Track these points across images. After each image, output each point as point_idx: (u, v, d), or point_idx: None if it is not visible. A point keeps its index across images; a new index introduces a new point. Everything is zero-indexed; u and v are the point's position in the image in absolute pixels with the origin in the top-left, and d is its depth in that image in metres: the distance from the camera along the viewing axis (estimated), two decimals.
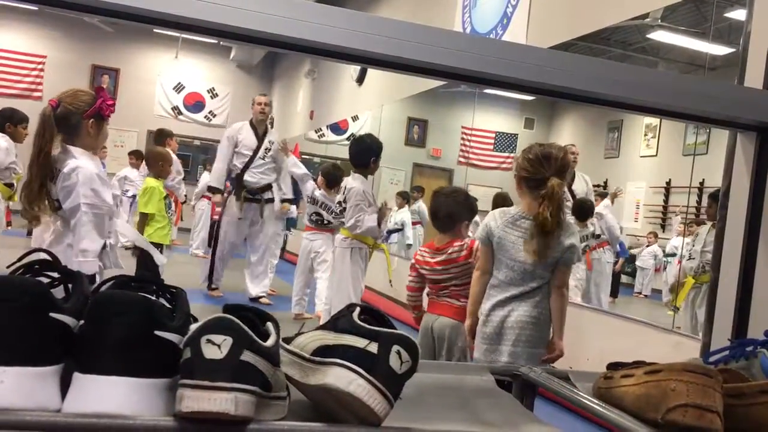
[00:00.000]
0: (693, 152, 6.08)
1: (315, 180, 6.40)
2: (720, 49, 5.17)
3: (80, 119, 2.70)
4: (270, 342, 0.83)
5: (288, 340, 0.93)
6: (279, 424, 0.82)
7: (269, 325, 0.88)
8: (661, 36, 5.97)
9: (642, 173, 8.20)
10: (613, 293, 7.21)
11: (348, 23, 1.11)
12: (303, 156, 12.90)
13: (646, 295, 7.96)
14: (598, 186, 7.89)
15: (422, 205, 9.77)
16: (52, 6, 1.05)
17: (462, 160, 9.42)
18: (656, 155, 7.88)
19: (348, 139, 11.17)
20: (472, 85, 7.60)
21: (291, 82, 15.51)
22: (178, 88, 16.31)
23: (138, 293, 0.84)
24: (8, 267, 0.91)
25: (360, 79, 10.87)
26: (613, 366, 1.14)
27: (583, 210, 6.04)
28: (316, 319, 6.01)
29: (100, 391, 0.76)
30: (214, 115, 16.57)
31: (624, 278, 8.06)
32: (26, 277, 0.88)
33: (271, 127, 7.25)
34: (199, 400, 0.74)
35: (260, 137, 6.78)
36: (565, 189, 5.82)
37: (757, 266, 1.42)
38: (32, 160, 2.64)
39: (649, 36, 6.08)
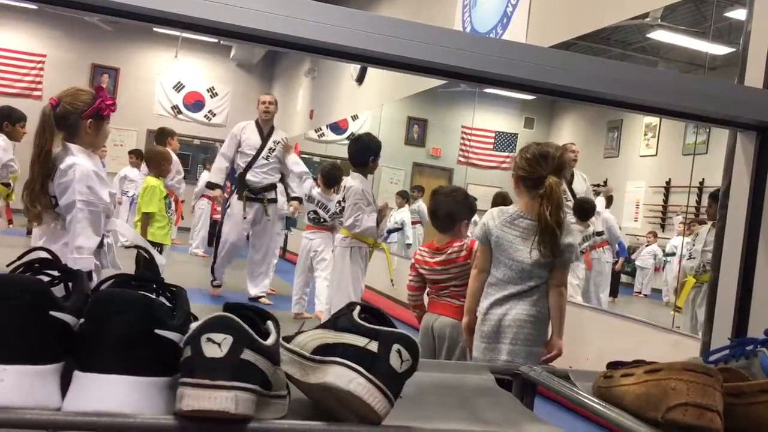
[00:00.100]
0: (693, 152, 6.08)
1: (315, 179, 6.42)
2: (720, 49, 5.17)
3: (79, 118, 2.70)
4: (270, 341, 0.83)
5: (288, 339, 0.93)
6: (279, 423, 0.82)
7: (269, 323, 0.88)
8: (660, 35, 5.97)
9: (642, 173, 8.20)
10: (613, 293, 7.21)
11: (349, 22, 1.11)
12: (303, 155, 12.89)
13: (645, 295, 7.96)
14: (598, 186, 7.90)
15: (422, 205, 9.77)
16: (52, 4, 1.05)
17: (462, 159, 9.42)
18: (656, 155, 7.89)
19: (348, 138, 11.16)
20: (472, 85, 7.60)
21: (291, 81, 15.51)
22: (178, 87, 16.31)
23: (138, 292, 0.84)
24: (8, 265, 0.91)
25: (360, 79, 10.87)
26: (613, 365, 1.14)
27: (585, 210, 6.04)
28: (315, 318, 6.02)
29: (101, 389, 0.76)
30: (214, 115, 16.56)
31: (624, 278, 8.07)
32: (26, 276, 0.88)
33: None
34: (199, 398, 0.74)
35: (265, 137, 6.71)
36: (566, 188, 5.85)
37: (757, 265, 1.42)
38: (33, 159, 2.65)
39: (649, 35, 6.08)
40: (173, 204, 6.02)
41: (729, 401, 0.95)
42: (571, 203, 5.93)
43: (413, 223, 9.89)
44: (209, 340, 0.76)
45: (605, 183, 8.15)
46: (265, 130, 6.74)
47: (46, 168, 2.64)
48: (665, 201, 7.77)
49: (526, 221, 2.66)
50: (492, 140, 9.67)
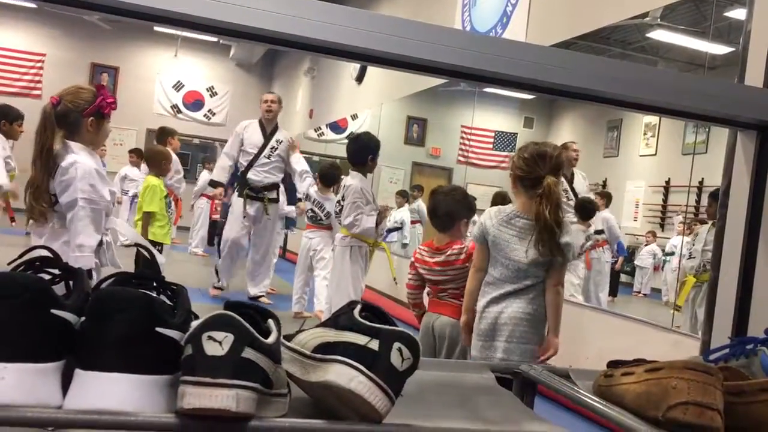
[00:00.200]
0: (692, 151, 6.08)
1: (316, 178, 6.43)
2: (720, 49, 5.17)
3: (80, 117, 2.71)
4: (271, 339, 0.83)
5: (289, 338, 0.93)
6: (280, 421, 0.82)
7: (270, 322, 0.88)
8: (660, 35, 5.97)
9: (641, 172, 8.20)
10: (612, 292, 7.22)
11: (349, 21, 1.11)
12: (302, 154, 12.91)
13: (645, 294, 7.96)
14: (597, 185, 7.90)
15: (421, 204, 9.77)
16: (52, 2, 1.05)
17: (461, 159, 9.42)
18: (655, 154, 7.89)
19: (347, 137, 11.16)
20: (472, 84, 7.60)
21: (290, 80, 15.50)
22: (178, 86, 16.30)
23: (139, 290, 0.84)
24: (9, 264, 0.91)
25: (359, 78, 10.87)
26: (614, 364, 1.14)
27: (587, 210, 6.04)
28: (315, 317, 6.02)
29: (102, 387, 0.76)
30: (214, 114, 16.56)
31: (623, 277, 8.07)
32: (27, 274, 0.88)
33: None
34: (200, 396, 0.74)
35: (267, 136, 6.65)
36: (567, 188, 5.85)
37: (757, 265, 1.42)
38: (35, 157, 2.65)
39: (648, 35, 6.08)
40: (173, 203, 6.02)
41: (729, 400, 0.95)
42: (572, 202, 5.93)
43: (413, 222, 9.89)
44: (210, 338, 0.76)
45: (605, 183, 8.16)
46: (268, 128, 6.69)
47: (48, 166, 2.64)
48: (665, 200, 7.78)
49: (523, 221, 2.67)
50: (491, 140, 9.67)
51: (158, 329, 0.80)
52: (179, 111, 16.27)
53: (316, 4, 1.10)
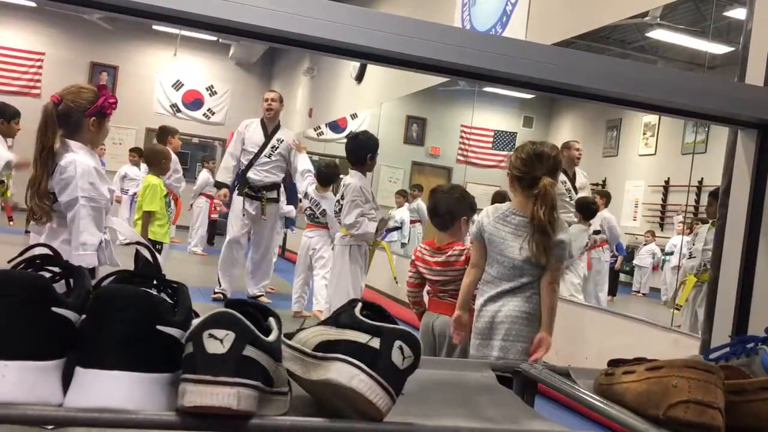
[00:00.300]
0: (692, 151, 6.08)
1: None
2: (719, 48, 5.17)
3: (82, 117, 2.71)
4: (272, 337, 0.82)
5: (290, 336, 0.93)
6: (281, 420, 0.82)
7: (271, 320, 0.88)
8: (660, 35, 5.97)
9: (641, 172, 8.21)
10: (612, 292, 7.22)
11: (349, 19, 1.10)
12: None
13: (644, 294, 7.97)
14: (597, 185, 7.90)
15: (421, 204, 9.77)
16: (52, 0, 1.05)
17: (461, 158, 9.42)
18: (655, 154, 7.89)
19: (347, 137, 11.15)
20: (472, 83, 7.58)
21: (290, 79, 15.50)
22: (177, 85, 16.29)
23: (140, 288, 0.84)
24: (9, 262, 0.91)
25: (359, 77, 10.87)
26: (614, 362, 1.14)
27: (590, 210, 6.03)
28: (314, 317, 6.02)
29: (103, 385, 0.76)
30: (213, 113, 16.55)
31: (622, 277, 8.08)
32: (28, 272, 0.88)
33: None
34: (201, 394, 0.74)
35: (268, 135, 6.58)
36: (570, 186, 5.84)
37: (757, 264, 1.42)
38: (36, 157, 2.65)
39: (648, 35, 6.08)
40: (172, 202, 6.01)
41: (730, 399, 0.95)
42: (574, 202, 5.93)
43: (412, 221, 9.89)
44: (211, 336, 0.75)
45: (604, 182, 8.17)
46: (270, 127, 6.62)
47: (48, 165, 2.64)
48: (664, 200, 7.78)
49: (518, 217, 2.69)
50: (491, 139, 9.68)
51: (159, 327, 0.79)
52: (178, 110, 16.26)
53: (317, 2, 1.09)
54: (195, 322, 0.79)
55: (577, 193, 5.99)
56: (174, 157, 6.73)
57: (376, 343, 0.83)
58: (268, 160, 6.56)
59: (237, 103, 16.26)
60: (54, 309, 0.78)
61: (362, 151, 4.96)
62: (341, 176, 5.99)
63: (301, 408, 0.89)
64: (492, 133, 9.68)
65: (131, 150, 10.94)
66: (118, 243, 3.22)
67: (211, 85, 16.59)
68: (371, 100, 10.50)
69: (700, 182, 6.10)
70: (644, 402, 0.97)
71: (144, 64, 15.97)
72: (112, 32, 15.24)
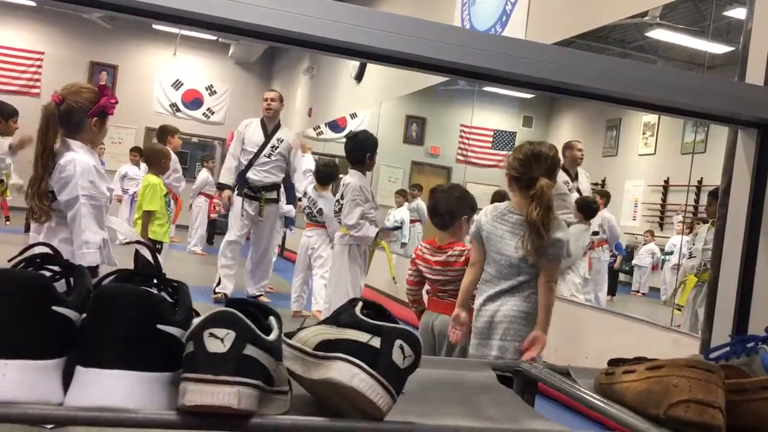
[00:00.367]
0: (691, 151, 6.08)
1: None
2: (719, 48, 5.17)
3: (84, 117, 2.72)
4: (272, 336, 0.82)
5: (290, 335, 0.93)
6: (281, 419, 0.82)
7: (272, 319, 0.87)
8: (659, 34, 5.96)
9: (640, 172, 8.20)
10: (611, 291, 7.22)
11: (350, 18, 1.10)
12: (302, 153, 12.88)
13: (643, 294, 7.97)
14: (596, 185, 7.90)
15: (421, 203, 9.77)
16: None
17: (460, 158, 9.41)
18: (654, 154, 7.89)
19: (346, 136, 11.15)
20: (472, 83, 7.57)
21: (290, 79, 15.49)
22: (177, 85, 16.28)
23: (140, 287, 0.84)
24: (10, 260, 0.91)
25: (359, 77, 10.86)
26: (615, 362, 1.14)
27: (592, 209, 6.03)
28: (313, 317, 6.01)
29: (103, 384, 0.76)
30: (213, 113, 16.54)
31: (621, 276, 8.08)
32: (28, 271, 0.87)
33: None
34: (202, 393, 0.74)
35: (268, 134, 6.51)
36: (572, 186, 5.83)
37: (757, 263, 1.42)
38: (37, 156, 2.64)
39: (647, 34, 6.08)
40: (172, 202, 6.01)
41: (730, 398, 0.95)
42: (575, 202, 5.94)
43: (412, 221, 9.89)
44: (212, 335, 0.75)
45: (604, 182, 8.16)
46: (270, 127, 6.55)
47: (48, 165, 2.65)
48: (663, 200, 7.78)
49: (516, 216, 2.70)
50: (490, 139, 9.67)
51: (159, 326, 0.79)
52: (178, 109, 16.25)
53: (317, 2, 1.09)
54: (195, 321, 0.79)
55: (580, 193, 5.99)
56: (173, 156, 6.71)
57: (376, 342, 0.83)
58: (268, 160, 6.50)
59: (236, 102, 16.26)
60: (54, 308, 0.78)
61: (361, 150, 4.96)
62: (340, 176, 5.99)
63: (302, 407, 0.89)
64: (491, 133, 9.67)
65: (132, 149, 10.93)
66: (118, 243, 3.23)
67: (211, 85, 16.58)
68: (371, 99, 10.49)
69: (700, 182, 6.10)
70: (645, 401, 0.97)
71: (143, 63, 15.96)
72: (112, 32, 15.23)
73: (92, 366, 0.77)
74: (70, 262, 0.93)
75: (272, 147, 6.50)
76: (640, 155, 8.08)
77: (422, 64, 1.19)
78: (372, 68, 10.23)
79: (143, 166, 8.53)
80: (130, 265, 0.96)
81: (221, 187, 6.72)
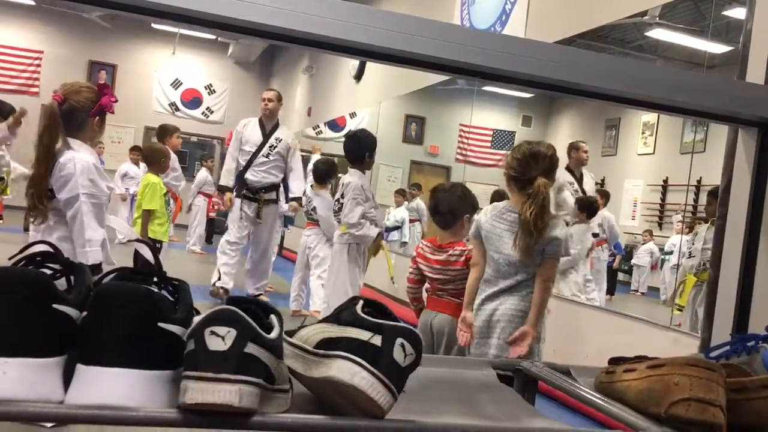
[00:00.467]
0: (691, 150, 6.09)
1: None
2: (718, 48, 5.17)
3: (86, 116, 2.73)
4: (273, 334, 0.82)
5: (291, 334, 0.93)
6: (282, 417, 0.82)
7: (272, 317, 0.87)
8: (659, 34, 5.96)
9: (639, 171, 8.21)
10: (610, 291, 7.22)
11: (350, 16, 1.10)
12: (300, 153, 12.88)
13: (642, 293, 7.98)
14: (596, 184, 7.90)
15: (420, 203, 9.77)
16: None
17: (460, 157, 9.41)
18: (653, 153, 7.89)
19: (345, 135, 11.14)
20: (471, 82, 7.56)
21: (289, 78, 15.48)
22: (176, 84, 16.27)
23: (141, 285, 0.84)
24: (10, 259, 0.91)
25: (358, 76, 10.86)
26: (615, 361, 1.14)
27: (593, 208, 6.03)
28: (311, 317, 6.01)
29: (104, 382, 0.76)
30: (212, 112, 16.53)
31: (620, 276, 8.08)
32: (29, 269, 0.87)
33: None
34: (203, 391, 0.74)
35: (266, 134, 6.42)
36: (577, 187, 5.83)
37: (758, 262, 1.42)
38: (38, 156, 2.64)
39: (647, 34, 6.08)
40: (171, 201, 6.00)
41: (731, 397, 0.95)
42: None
43: (411, 221, 9.89)
44: (213, 333, 0.75)
45: (603, 181, 8.16)
46: (268, 127, 6.46)
47: (50, 165, 2.65)
48: (663, 199, 7.78)
49: (513, 215, 2.72)
50: (490, 138, 9.67)
51: (160, 324, 0.79)
52: (177, 109, 16.25)
53: (318, 0, 1.09)
54: (196, 319, 0.79)
55: (585, 194, 5.99)
56: (173, 155, 6.69)
57: (377, 340, 0.83)
58: (266, 159, 6.41)
59: (236, 101, 16.25)
60: (55, 306, 0.78)
61: (361, 149, 4.95)
62: (339, 175, 5.99)
63: (303, 405, 0.89)
64: (491, 132, 9.67)
65: (132, 148, 10.93)
66: (117, 242, 3.23)
67: (210, 84, 16.57)
68: (370, 98, 10.49)
69: (699, 181, 6.10)
70: (645, 400, 0.97)
71: (143, 62, 15.95)
72: (111, 31, 15.22)
73: (93, 364, 0.77)
74: (71, 260, 0.93)
75: (270, 147, 6.41)
76: (639, 155, 8.09)
77: (423, 63, 1.19)
78: (371, 67, 10.23)
79: (143, 165, 8.52)
80: (130, 264, 0.96)
81: (222, 189, 6.62)
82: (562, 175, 5.80)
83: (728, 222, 1.50)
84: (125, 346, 0.77)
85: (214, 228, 12.31)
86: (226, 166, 6.67)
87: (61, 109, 2.66)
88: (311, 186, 6.24)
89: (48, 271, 0.90)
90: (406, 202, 10.07)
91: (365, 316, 0.86)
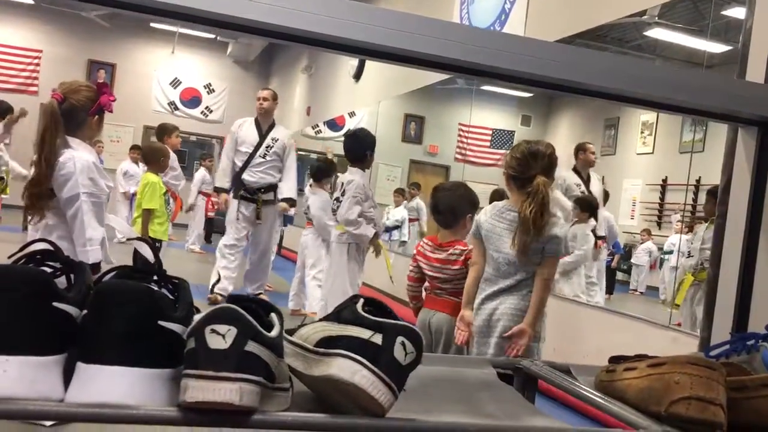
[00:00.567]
0: (690, 149, 6.09)
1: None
2: (717, 47, 5.17)
3: (86, 115, 2.73)
4: (274, 333, 0.82)
5: (291, 332, 0.93)
6: (282, 415, 0.82)
7: (273, 316, 0.87)
8: (658, 33, 5.97)
9: (638, 170, 8.22)
10: (609, 290, 7.23)
11: (349, 14, 1.10)
12: (299, 152, 12.89)
13: (641, 292, 7.98)
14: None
15: (420, 202, 9.77)
16: None
17: (459, 156, 9.41)
18: (652, 152, 7.90)
19: (344, 135, 11.14)
20: (470, 82, 7.55)
21: (288, 77, 15.48)
22: (175, 83, 16.27)
23: (141, 283, 0.84)
24: (10, 257, 0.91)
25: (357, 75, 10.86)
26: (615, 359, 1.14)
27: (592, 207, 6.03)
28: (310, 317, 6.00)
29: (104, 381, 0.76)
30: (211, 111, 16.53)
31: (619, 275, 8.09)
32: (29, 267, 0.87)
33: None
34: (203, 390, 0.73)
35: (263, 134, 6.33)
36: (584, 189, 5.83)
37: (758, 261, 1.42)
38: (40, 156, 2.64)
39: (646, 33, 6.08)
40: (171, 200, 5.99)
41: (731, 395, 0.95)
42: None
43: (410, 220, 9.89)
44: (213, 331, 0.75)
45: (602, 181, 8.16)
46: (264, 126, 6.37)
47: (51, 164, 2.65)
48: (662, 199, 7.79)
49: (513, 213, 2.72)
50: (489, 137, 9.67)
51: (160, 323, 0.79)
52: (176, 108, 16.24)
53: None
54: (197, 317, 0.79)
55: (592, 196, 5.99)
56: (172, 155, 6.67)
57: (378, 338, 0.83)
58: (263, 160, 6.31)
59: (235, 101, 16.24)
60: (55, 304, 0.77)
61: (361, 148, 4.95)
62: (338, 174, 5.98)
63: (303, 404, 0.89)
64: (490, 132, 9.68)
65: (132, 148, 10.93)
66: (116, 241, 3.23)
67: (209, 83, 16.56)
68: (369, 98, 10.49)
69: (698, 181, 6.10)
70: (646, 398, 0.97)
71: (142, 61, 15.94)
72: (110, 30, 15.22)
73: (93, 362, 0.76)
74: (71, 259, 0.92)
75: (267, 147, 6.31)
76: (638, 154, 8.09)
77: (422, 61, 1.19)
78: (370, 67, 10.22)
79: (142, 164, 8.51)
80: (129, 263, 0.96)
81: (218, 190, 6.55)
82: (569, 176, 5.81)
83: (728, 221, 1.50)
84: (125, 344, 0.77)
85: (213, 227, 12.31)
86: (220, 167, 6.60)
87: (60, 108, 2.66)
88: (310, 185, 6.24)
89: (48, 269, 0.90)
90: (405, 202, 10.07)
91: (366, 315, 0.86)
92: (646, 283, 7.96)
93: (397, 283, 5.85)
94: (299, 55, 14.14)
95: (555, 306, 2.77)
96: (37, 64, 15.02)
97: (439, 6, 8.14)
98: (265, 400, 0.80)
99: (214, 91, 16.58)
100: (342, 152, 5.36)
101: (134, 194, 8.53)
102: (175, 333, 0.80)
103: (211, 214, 11.82)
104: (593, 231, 6.04)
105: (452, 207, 3.24)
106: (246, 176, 6.32)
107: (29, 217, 2.72)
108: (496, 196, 5.70)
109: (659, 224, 7.91)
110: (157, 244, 5.17)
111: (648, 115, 7.61)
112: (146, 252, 0.97)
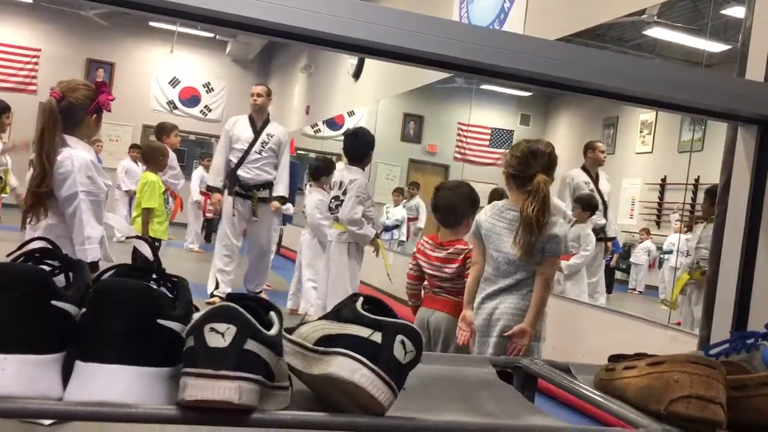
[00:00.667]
0: (689, 149, 6.09)
1: None
2: (717, 46, 5.17)
3: (84, 114, 2.73)
4: (273, 331, 0.82)
5: (290, 331, 0.93)
6: (282, 414, 0.82)
7: (272, 314, 0.87)
8: (657, 33, 5.97)
9: (637, 170, 8.21)
10: (607, 289, 7.22)
11: (349, 12, 1.10)
12: (299, 151, 12.90)
13: (640, 292, 7.98)
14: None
15: (419, 202, 9.77)
16: None
17: (458, 156, 9.41)
18: (651, 152, 7.90)
19: (344, 134, 11.13)
20: (469, 81, 7.55)
21: (287, 77, 15.47)
22: (174, 82, 16.26)
23: (140, 282, 0.83)
24: (8, 255, 0.90)
25: (356, 74, 10.85)
26: (615, 358, 1.14)
27: (592, 206, 6.03)
28: (309, 316, 5.99)
29: (103, 379, 0.75)
30: (210, 110, 16.52)
31: (618, 274, 8.08)
32: (28, 265, 0.87)
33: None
34: (202, 388, 0.73)
35: (257, 130, 6.27)
36: (593, 188, 5.83)
37: (757, 260, 1.42)
38: (39, 155, 2.64)
39: (645, 32, 6.08)
40: (170, 199, 5.98)
41: (731, 394, 0.95)
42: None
43: (409, 219, 9.89)
44: (212, 329, 0.75)
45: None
46: (258, 123, 6.31)
47: (50, 162, 2.65)
48: (661, 198, 7.79)
49: (513, 212, 2.71)
50: (488, 137, 9.67)
51: (159, 321, 0.79)
52: (175, 107, 16.23)
53: None
54: (196, 315, 0.79)
55: (601, 196, 5.99)
56: (171, 154, 6.66)
57: (377, 337, 0.82)
58: (259, 156, 6.24)
59: (234, 100, 16.22)
60: (54, 302, 0.77)
61: (363, 147, 4.95)
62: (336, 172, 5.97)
63: (302, 403, 0.89)
64: (489, 131, 9.67)
65: (131, 146, 10.92)
66: (115, 239, 3.22)
67: (208, 82, 16.55)
68: (368, 97, 10.49)
69: (697, 180, 6.10)
70: (645, 397, 0.96)
71: (140, 60, 15.93)
72: (109, 29, 15.20)
73: (92, 361, 0.76)
74: (69, 257, 0.92)
75: (262, 143, 6.25)
76: (637, 153, 8.09)
77: (422, 60, 1.19)
78: (369, 66, 10.22)
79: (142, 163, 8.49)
80: (128, 262, 0.96)
81: (211, 189, 6.48)
82: (577, 174, 5.82)
83: (728, 219, 1.50)
84: (124, 343, 0.77)
85: (212, 226, 12.30)
86: (213, 166, 6.52)
87: (59, 107, 2.66)
88: (309, 185, 6.24)
89: (47, 268, 0.89)
90: (404, 201, 10.07)
91: (365, 313, 0.86)
92: (645, 282, 7.95)
93: (395, 281, 5.85)
94: (298, 54, 14.14)
95: (554, 305, 2.77)
96: (36, 63, 15.01)
97: (438, 4, 8.14)
98: (264, 399, 0.80)
99: (213, 90, 16.57)
100: (340, 151, 5.36)
101: (134, 193, 8.53)
102: (174, 331, 0.80)
103: (209, 214, 11.81)
104: (603, 231, 6.04)
105: (453, 206, 3.24)
106: (241, 172, 6.25)
107: (28, 217, 2.72)
108: (496, 195, 5.70)
109: (658, 223, 7.91)
110: (156, 243, 5.17)
111: (647, 115, 7.61)
112: (145, 250, 0.97)
